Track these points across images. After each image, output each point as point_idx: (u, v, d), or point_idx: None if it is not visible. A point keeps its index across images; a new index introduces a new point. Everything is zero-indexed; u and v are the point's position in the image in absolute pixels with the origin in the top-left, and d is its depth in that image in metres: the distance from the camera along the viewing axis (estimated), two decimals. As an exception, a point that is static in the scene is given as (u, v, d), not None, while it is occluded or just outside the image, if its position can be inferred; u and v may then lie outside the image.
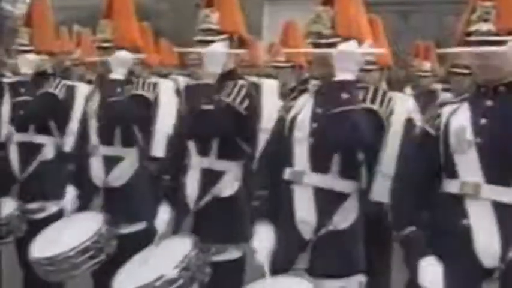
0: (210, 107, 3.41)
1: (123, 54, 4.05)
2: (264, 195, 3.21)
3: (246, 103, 3.49)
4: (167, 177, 3.72)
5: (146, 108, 4.13)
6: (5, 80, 4.97)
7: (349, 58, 2.97)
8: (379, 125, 3.04)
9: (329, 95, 3.00)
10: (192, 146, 3.60)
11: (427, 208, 2.87)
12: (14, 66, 4.77)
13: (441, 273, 2.73)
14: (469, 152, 2.72)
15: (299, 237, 3.06)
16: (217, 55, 3.49)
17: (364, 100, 3.02)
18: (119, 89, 4.00)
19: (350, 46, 2.99)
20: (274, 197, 3.18)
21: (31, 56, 4.51)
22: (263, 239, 3.12)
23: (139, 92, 4.09)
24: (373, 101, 3.04)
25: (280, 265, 3.08)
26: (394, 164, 3.10)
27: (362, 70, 3.71)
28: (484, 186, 2.70)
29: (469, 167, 2.72)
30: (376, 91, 3.08)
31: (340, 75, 2.96)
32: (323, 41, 3.04)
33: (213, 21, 3.56)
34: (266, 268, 3.06)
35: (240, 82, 3.55)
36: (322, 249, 3.02)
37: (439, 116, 2.87)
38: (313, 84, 3.25)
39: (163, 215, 3.67)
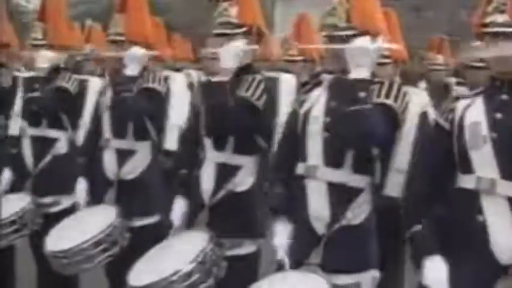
0: (228, 102, 3.40)
1: (137, 50, 4.06)
2: (281, 192, 3.20)
3: (263, 98, 3.48)
4: (183, 171, 3.72)
5: (158, 102, 4.14)
6: (19, 74, 4.99)
7: (364, 54, 2.95)
8: (394, 120, 3.03)
9: (345, 92, 2.98)
10: (207, 140, 3.60)
11: (441, 203, 2.84)
12: (28, 60, 4.79)
13: (446, 273, 2.71)
14: (484, 147, 2.68)
15: (312, 232, 3.05)
16: (234, 51, 3.48)
17: (379, 95, 3.01)
18: (132, 85, 4.01)
19: (365, 42, 2.97)
20: (289, 193, 3.17)
21: (48, 53, 4.52)
22: (282, 237, 3.12)
23: (150, 85, 4.09)
24: (388, 96, 3.02)
25: (294, 260, 3.07)
26: (408, 158, 3.09)
27: (376, 64, 3.71)
28: (499, 181, 2.66)
29: (484, 163, 2.68)
30: (391, 86, 3.06)
31: (355, 72, 2.94)
32: (338, 33, 3.02)
33: (231, 15, 3.56)
34: (287, 265, 3.06)
35: (258, 77, 3.54)
36: (336, 244, 3.01)
37: (453, 110, 2.83)
38: (326, 78, 3.23)
39: (179, 209, 3.67)
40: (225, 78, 3.45)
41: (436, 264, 2.72)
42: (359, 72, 2.94)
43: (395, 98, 3.03)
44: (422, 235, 2.78)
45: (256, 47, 3.62)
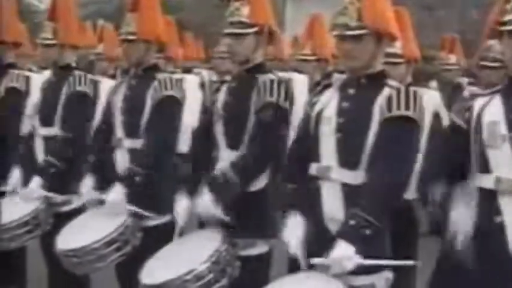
0: (253, 109, 3.43)
1: None
2: (293, 188, 3.18)
3: (289, 99, 3.50)
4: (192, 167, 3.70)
5: (176, 108, 4.12)
6: (31, 74, 5.00)
7: None
8: (417, 132, 2.98)
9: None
10: (221, 138, 3.59)
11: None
12: (40, 60, 4.79)
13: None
14: (503, 146, 2.66)
15: (327, 233, 3.02)
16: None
17: (398, 106, 2.93)
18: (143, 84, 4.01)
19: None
20: (302, 190, 3.15)
21: (54, 51, 4.53)
22: (294, 231, 3.09)
23: (171, 93, 4.06)
24: (407, 107, 2.94)
25: (308, 260, 3.05)
26: (421, 159, 3.07)
27: (389, 63, 3.69)
28: None
29: (502, 162, 2.66)
30: (407, 94, 2.97)
31: None
32: (349, 33, 3.00)
33: (243, 14, 3.55)
34: (301, 259, 3.03)
35: (275, 78, 3.54)
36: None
37: (469, 109, 2.81)
38: (338, 78, 3.21)
39: (181, 208, 3.64)
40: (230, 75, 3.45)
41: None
42: None
43: (414, 107, 2.95)
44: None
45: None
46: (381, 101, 2.97)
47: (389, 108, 2.93)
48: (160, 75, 4.13)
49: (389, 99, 2.96)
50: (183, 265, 3.23)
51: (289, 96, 3.52)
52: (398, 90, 3.00)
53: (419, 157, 3.17)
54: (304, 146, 3.17)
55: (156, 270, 3.31)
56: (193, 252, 3.34)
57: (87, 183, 4.19)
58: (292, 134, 3.43)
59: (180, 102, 4.13)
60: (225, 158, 3.57)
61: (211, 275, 3.20)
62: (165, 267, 3.30)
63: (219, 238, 3.33)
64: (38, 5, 20.61)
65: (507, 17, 2.67)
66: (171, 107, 4.06)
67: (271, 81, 3.51)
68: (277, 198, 3.32)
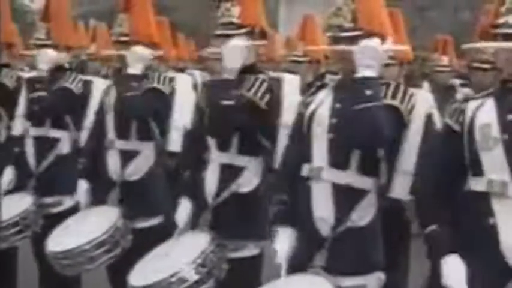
0: (231, 102, 3.39)
1: (140, 49, 4.04)
2: (285, 200, 3.18)
3: (266, 98, 3.46)
4: (187, 172, 3.70)
5: (162, 102, 4.13)
6: (23, 74, 4.98)
7: (373, 55, 2.94)
8: (400, 122, 3.02)
9: (352, 91, 2.96)
10: (211, 141, 3.58)
11: (451, 205, 2.82)
12: (32, 60, 4.77)
13: (464, 272, 2.69)
14: (496, 149, 2.66)
15: (317, 234, 3.03)
16: (237, 50, 3.46)
17: (385, 96, 3.00)
18: (135, 84, 4.00)
19: (375, 43, 2.96)
20: (293, 198, 3.15)
21: (49, 51, 4.51)
22: (284, 243, 3.10)
23: (155, 85, 4.08)
24: (394, 97, 3.01)
25: (298, 262, 3.05)
26: (414, 160, 3.07)
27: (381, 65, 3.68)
28: (511, 184, 2.63)
29: (495, 165, 2.66)
30: (397, 87, 3.05)
31: (363, 72, 2.93)
32: (344, 34, 3.00)
33: (234, 15, 3.54)
34: (283, 271, 3.05)
35: (261, 76, 3.52)
36: (341, 246, 2.99)
37: (463, 111, 2.81)
38: (331, 79, 3.21)
39: (184, 210, 3.65)
40: (229, 76, 3.43)
41: (456, 265, 2.70)
42: (366, 72, 2.92)
43: (402, 99, 3.02)
44: (440, 234, 2.76)
45: (261, 42, 3.59)
46: None
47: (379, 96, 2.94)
48: (151, 73, 4.13)
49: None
50: (169, 267, 3.23)
51: (270, 95, 3.49)
52: (387, 85, 3.03)
53: (412, 157, 3.17)
54: (298, 149, 3.17)
55: (144, 272, 3.31)
56: (180, 253, 3.34)
57: (81, 188, 4.18)
58: (281, 133, 3.42)
59: (165, 95, 4.12)
60: (215, 159, 3.56)
61: (196, 277, 3.19)
62: (153, 269, 3.30)
63: (207, 240, 3.32)
64: (30, 5, 20.56)
65: (501, 20, 2.67)
66: (154, 98, 4.05)
67: (256, 79, 3.50)
68: (270, 206, 3.32)
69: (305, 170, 3.09)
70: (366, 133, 2.89)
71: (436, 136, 3.07)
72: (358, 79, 2.93)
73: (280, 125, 3.45)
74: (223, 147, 3.54)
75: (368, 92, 2.89)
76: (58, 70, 4.57)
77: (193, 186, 3.66)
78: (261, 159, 3.55)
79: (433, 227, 2.77)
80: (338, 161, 3.02)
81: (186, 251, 3.33)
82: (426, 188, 2.88)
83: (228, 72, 3.44)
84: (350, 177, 3.01)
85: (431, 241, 2.79)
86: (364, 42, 2.95)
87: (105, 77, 6.46)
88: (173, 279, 3.17)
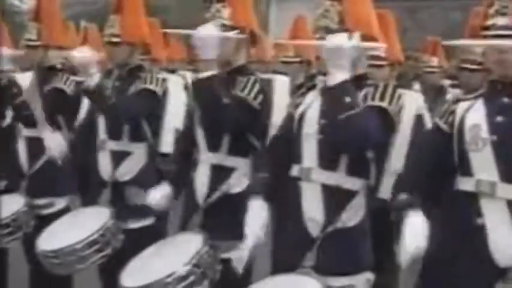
0: (225, 101, 3.38)
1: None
2: (264, 177, 3.19)
3: (259, 98, 3.47)
4: (175, 167, 3.70)
5: (154, 103, 4.14)
6: (15, 75, 4.98)
7: (340, 54, 2.83)
8: (388, 123, 3.00)
9: (332, 99, 2.92)
10: (202, 141, 3.59)
11: (438, 206, 2.84)
12: (23, 61, 4.77)
13: (426, 228, 2.69)
14: (484, 149, 2.68)
15: (306, 235, 3.04)
16: (210, 39, 3.38)
17: (373, 97, 2.99)
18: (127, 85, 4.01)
19: (340, 40, 2.86)
20: (274, 182, 3.16)
21: (38, 52, 4.52)
22: (256, 220, 3.12)
23: (148, 86, 4.09)
24: (382, 99, 2.99)
25: (288, 263, 3.06)
26: (403, 161, 3.09)
27: (372, 66, 3.70)
28: (499, 184, 2.66)
29: (484, 165, 2.69)
30: (385, 88, 3.04)
31: (333, 76, 2.86)
32: (331, 35, 3.01)
33: (224, 17, 3.54)
34: (249, 241, 3.08)
35: (253, 77, 3.53)
36: (330, 246, 3.01)
37: (452, 112, 2.83)
38: (321, 80, 3.23)
39: (160, 191, 3.67)
40: (212, 72, 3.37)
41: (416, 218, 2.70)
42: (337, 75, 2.85)
43: (390, 101, 3.00)
44: (407, 199, 2.76)
45: (239, 36, 3.53)
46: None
47: (365, 101, 2.95)
48: (143, 74, 4.14)
49: (365, 95, 2.99)
50: (164, 267, 3.23)
51: (262, 96, 3.50)
52: (375, 86, 3.03)
53: (401, 158, 3.20)
54: (282, 146, 3.18)
55: (136, 273, 3.31)
56: (174, 254, 3.34)
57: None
58: (271, 134, 3.44)
59: (158, 96, 4.13)
60: (205, 160, 3.58)
61: (192, 277, 3.19)
62: (145, 270, 3.30)
63: (201, 240, 3.32)
64: (19, 5, 20.45)
65: (490, 21, 2.70)
66: (146, 98, 4.06)
67: (248, 79, 3.51)
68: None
69: (295, 170, 3.11)
70: (353, 139, 2.87)
71: (424, 135, 3.09)
72: (335, 86, 2.86)
73: (271, 126, 3.46)
74: (213, 147, 3.55)
75: (347, 99, 2.83)
76: (50, 71, 4.58)
77: (178, 177, 3.68)
78: (251, 160, 3.56)
79: (405, 195, 2.77)
80: (327, 162, 3.03)
81: (180, 251, 3.33)
82: (408, 178, 2.88)
83: (208, 65, 3.36)
84: (339, 178, 3.02)
85: (399, 205, 2.78)
86: (330, 40, 2.85)
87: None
88: (169, 280, 3.16)
